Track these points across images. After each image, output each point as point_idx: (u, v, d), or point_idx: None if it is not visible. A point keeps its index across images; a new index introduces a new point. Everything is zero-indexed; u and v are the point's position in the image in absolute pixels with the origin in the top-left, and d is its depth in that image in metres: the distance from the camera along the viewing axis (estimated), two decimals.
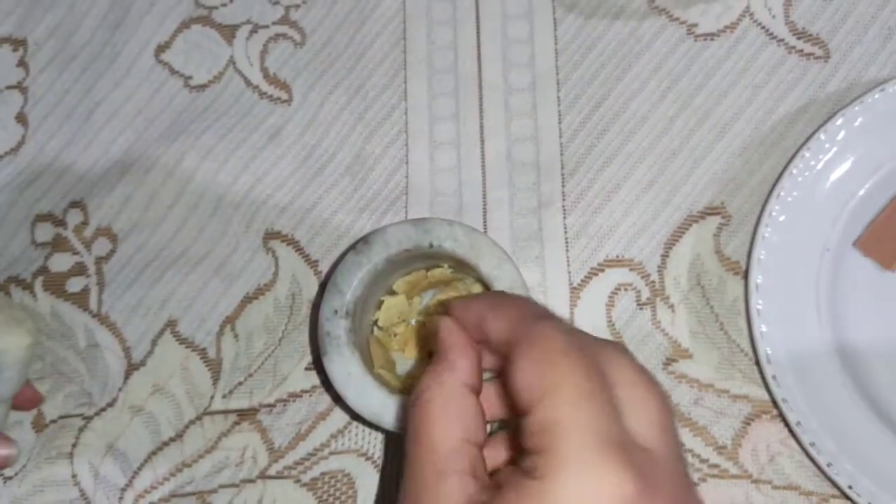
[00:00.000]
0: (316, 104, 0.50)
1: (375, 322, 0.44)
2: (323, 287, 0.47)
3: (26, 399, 0.46)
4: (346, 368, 0.39)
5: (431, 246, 0.40)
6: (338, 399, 0.45)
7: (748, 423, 0.43)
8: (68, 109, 0.53)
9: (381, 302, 0.44)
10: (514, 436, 0.32)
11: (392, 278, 0.43)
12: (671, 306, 0.45)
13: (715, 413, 0.43)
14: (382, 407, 0.39)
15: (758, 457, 0.42)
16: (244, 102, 0.51)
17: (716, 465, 0.42)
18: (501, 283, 0.40)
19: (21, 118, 0.53)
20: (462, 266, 0.42)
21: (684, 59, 0.48)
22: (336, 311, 0.40)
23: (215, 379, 0.47)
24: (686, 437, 0.43)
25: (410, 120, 0.49)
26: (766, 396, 0.43)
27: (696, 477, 0.42)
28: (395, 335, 0.44)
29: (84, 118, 0.52)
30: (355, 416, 0.45)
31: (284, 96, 0.51)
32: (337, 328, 0.40)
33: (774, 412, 0.43)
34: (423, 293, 0.45)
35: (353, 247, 0.41)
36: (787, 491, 0.42)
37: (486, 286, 0.42)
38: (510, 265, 0.40)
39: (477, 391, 0.30)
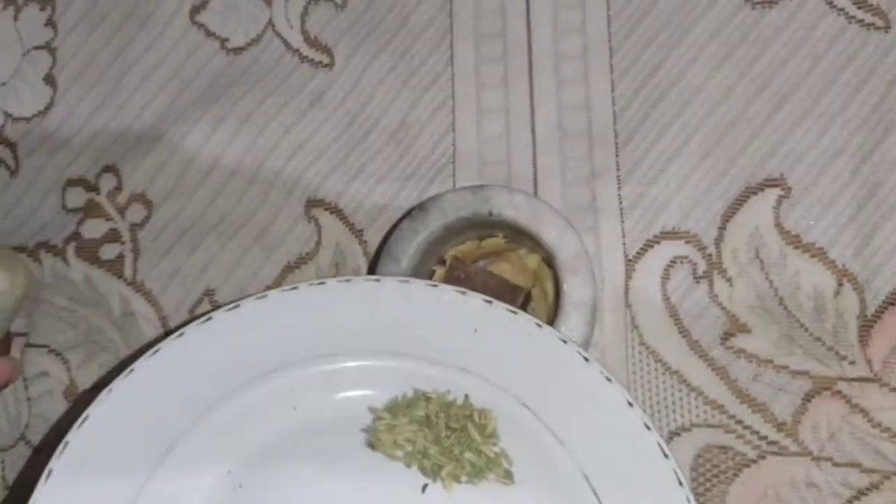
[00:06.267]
0: (359, 69, 0.49)
1: None
2: (369, 257, 0.46)
3: None
4: None
5: (491, 214, 0.39)
6: None
7: (808, 400, 0.42)
8: (99, 72, 0.51)
9: (433, 272, 0.42)
10: None
11: (445, 247, 0.42)
12: (728, 280, 0.44)
13: (774, 389, 0.42)
14: None
15: (818, 434, 0.41)
16: (284, 66, 0.49)
17: (775, 443, 0.41)
18: (564, 252, 0.38)
19: (49, 79, 0.51)
20: (518, 236, 0.40)
21: (742, 27, 0.46)
22: None
23: None
24: (745, 413, 0.42)
25: (457, 86, 0.48)
26: (826, 372, 0.42)
27: (755, 454, 0.41)
28: None
29: (115, 81, 0.51)
30: None
31: (326, 60, 0.49)
32: None
33: (835, 388, 0.42)
34: (474, 263, 0.43)
35: (408, 214, 0.40)
36: (847, 468, 0.41)
37: (544, 256, 0.40)
38: (573, 234, 0.39)
39: None
